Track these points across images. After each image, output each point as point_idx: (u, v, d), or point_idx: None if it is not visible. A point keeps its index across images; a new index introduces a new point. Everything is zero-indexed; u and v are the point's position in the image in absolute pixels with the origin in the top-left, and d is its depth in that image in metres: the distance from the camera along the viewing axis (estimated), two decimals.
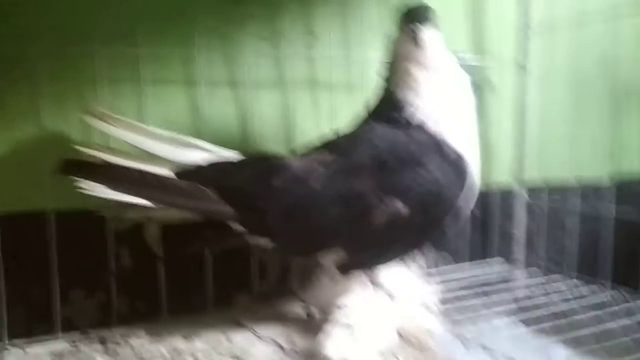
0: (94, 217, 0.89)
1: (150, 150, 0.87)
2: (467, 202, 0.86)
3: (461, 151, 0.84)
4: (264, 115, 1.08)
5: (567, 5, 1.22)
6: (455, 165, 0.83)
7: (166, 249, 0.98)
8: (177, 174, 0.83)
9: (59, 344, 0.86)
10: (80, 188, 0.76)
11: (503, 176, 1.32)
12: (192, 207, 0.81)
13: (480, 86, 1.30)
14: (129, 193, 0.79)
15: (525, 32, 1.26)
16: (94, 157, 0.82)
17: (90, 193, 0.77)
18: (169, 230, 0.96)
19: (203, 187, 0.81)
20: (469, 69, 1.24)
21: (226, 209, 0.80)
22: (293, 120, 1.09)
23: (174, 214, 0.84)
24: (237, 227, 0.83)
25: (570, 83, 1.26)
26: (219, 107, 1.04)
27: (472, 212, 1.25)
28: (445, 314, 0.96)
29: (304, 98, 1.12)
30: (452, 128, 0.84)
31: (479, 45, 1.29)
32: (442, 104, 0.85)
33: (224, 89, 1.05)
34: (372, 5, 1.14)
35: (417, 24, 0.83)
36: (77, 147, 0.83)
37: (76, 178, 0.77)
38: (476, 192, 0.87)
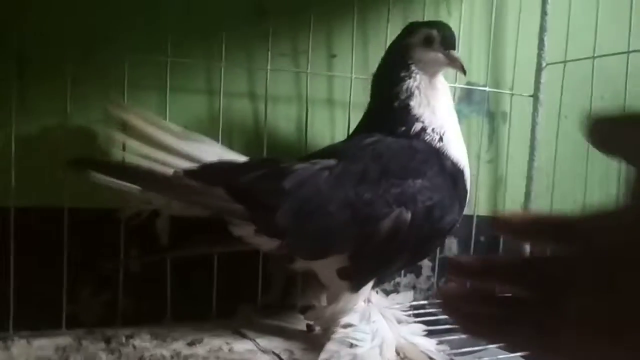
0: (106, 217, 0.91)
1: (165, 144, 0.89)
2: (463, 210, 0.89)
3: (458, 160, 0.88)
4: (280, 129, 1.10)
5: (582, 39, 1.24)
6: (454, 174, 0.86)
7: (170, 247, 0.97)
8: (186, 172, 0.84)
9: (64, 339, 0.86)
10: (93, 176, 0.79)
11: (513, 207, 1.33)
12: (201, 202, 0.81)
13: (494, 116, 1.32)
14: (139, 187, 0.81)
15: (540, 65, 1.28)
16: (106, 155, 0.85)
17: (101, 182, 0.79)
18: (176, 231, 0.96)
19: (212, 186, 0.81)
20: (484, 98, 1.27)
21: (235, 206, 0.81)
22: (309, 136, 1.10)
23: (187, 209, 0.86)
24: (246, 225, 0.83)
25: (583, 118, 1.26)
26: (238, 118, 1.07)
27: (478, 238, 1.27)
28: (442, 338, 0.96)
29: (321, 115, 1.14)
30: (449, 137, 0.88)
31: (494, 76, 1.30)
32: (438, 115, 0.88)
33: (244, 101, 1.08)
34: (393, 28, 1.16)
35: (453, 50, 0.85)
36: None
37: (88, 171, 0.79)
38: (467, 200, 0.90)
